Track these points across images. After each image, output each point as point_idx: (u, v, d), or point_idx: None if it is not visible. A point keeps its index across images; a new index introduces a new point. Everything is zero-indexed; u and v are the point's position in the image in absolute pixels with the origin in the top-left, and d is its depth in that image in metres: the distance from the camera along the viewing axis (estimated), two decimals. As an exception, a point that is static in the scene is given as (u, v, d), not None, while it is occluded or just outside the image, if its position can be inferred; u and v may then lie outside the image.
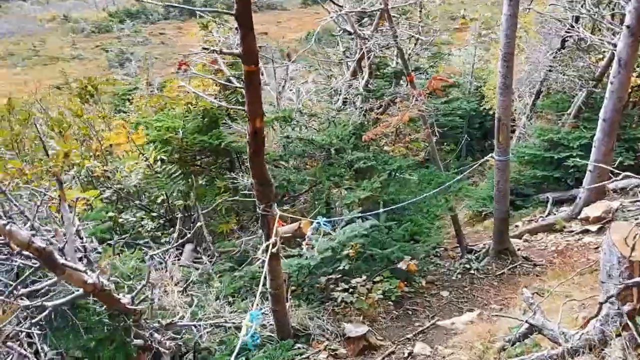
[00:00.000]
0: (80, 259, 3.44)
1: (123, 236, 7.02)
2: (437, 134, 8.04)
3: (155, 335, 3.96)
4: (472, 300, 6.31)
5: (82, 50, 60.30)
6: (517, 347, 4.13)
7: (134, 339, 3.54)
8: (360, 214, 6.24)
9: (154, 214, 7.48)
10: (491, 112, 17.67)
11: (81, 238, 3.74)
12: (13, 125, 7.36)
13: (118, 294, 3.34)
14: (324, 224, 4.69)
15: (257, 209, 4.26)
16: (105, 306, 3.33)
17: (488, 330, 4.76)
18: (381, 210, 5.70)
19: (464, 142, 19.30)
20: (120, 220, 6.62)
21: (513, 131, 12.70)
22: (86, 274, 2.76)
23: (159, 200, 7.53)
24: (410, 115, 6.54)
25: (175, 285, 5.45)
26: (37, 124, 6.79)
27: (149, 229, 7.22)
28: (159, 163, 6.61)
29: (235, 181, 7.32)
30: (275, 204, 4.26)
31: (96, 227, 4.58)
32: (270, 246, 4.25)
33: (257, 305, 3.58)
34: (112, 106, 10.55)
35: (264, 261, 5.20)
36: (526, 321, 4.06)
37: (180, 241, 7.29)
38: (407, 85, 7.80)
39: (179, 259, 6.99)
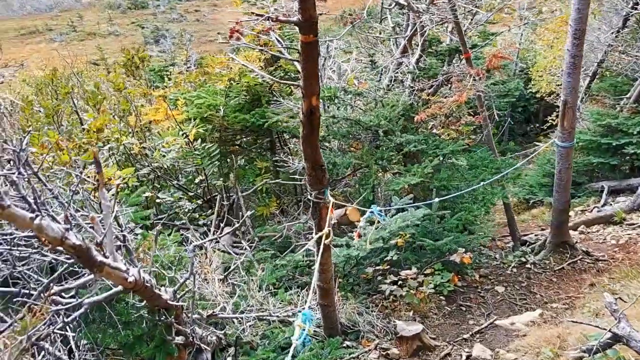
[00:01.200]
0: (119, 248, 3.12)
1: (160, 217, 6.77)
2: (496, 116, 7.48)
3: (197, 330, 3.64)
4: (531, 297, 5.84)
5: (118, 27, 60.71)
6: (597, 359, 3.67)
7: (175, 337, 3.22)
8: (410, 203, 5.82)
9: (192, 194, 7.20)
10: (538, 96, 16.88)
11: (120, 225, 3.42)
12: (54, 97, 7.14)
13: (159, 289, 3.01)
14: (378, 214, 4.29)
15: (308, 195, 3.88)
16: (145, 302, 3.02)
17: (557, 335, 4.31)
18: (436, 199, 5.25)
19: (507, 125, 18.53)
20: (157, 200, 6.34)
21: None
22: (127, 273, 2.43)
23: (196, 180, 7.24)
24: (463, 97, 6.03)
25: (215, 271, 5.15)
26: (74, 98, 6.53)
27: (186, 210, 6.94)
28: (198, 141, 6.27)
29: (278, 162, 6.96)
30: (328, 190, 3.87)
31: (135, 214, 4.27)
32: (323, 237, 3.87)
33: (309, 303, 3.21)
34: (148, 82, 10.28)
35: (312, 251, 4.84)
36: (610, 330, 3.59)
37: (219, 224, 7.00)
38: (460, 63, 7.26)
39: (217, 242, 6.71)
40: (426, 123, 7.53)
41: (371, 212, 4.24)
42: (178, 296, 3.31)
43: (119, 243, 3.14)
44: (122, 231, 3.23)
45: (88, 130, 5.27)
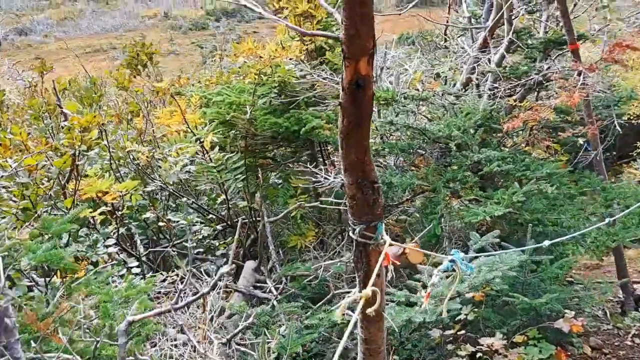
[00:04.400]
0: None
1: (165, 245, 5.43)
2: (618, 128, 5.76)
3: None
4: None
5: (178, 46, 61.85)
6: None
7: None
8: (498, 243, 4.18)
9: (212, 217, 5.82)
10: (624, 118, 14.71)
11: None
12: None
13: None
14: (462, 263, 2.69)
15: (350, 232, 2.35)
16: None
17: None
18: (546, 242, 3.55)
19: (584, 149, 16.39)
20: (160, 224, 4.99)
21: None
22: None
23: (219, 200, 5.86)
24: (577, 99, 4.36)
25: (215, 326, 3.68)
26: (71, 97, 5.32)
27: (204, 236, 5.55)
28: (216, 150, 4.89)
29: (318, 180, 5.48)
30: (382, 225, 2.33)
31: (47, 254, 2.78)
32: (371, 297, 2.31)
33: None
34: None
35: (353, 317, 3.20)
36: None
37: (240, 256, 5.59)
38: (561, 58, 5.61)
39: (235, 280, 5.28)
40: (511, 137, 5.89)
41: (451, 261, 2.66)
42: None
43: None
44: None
45: (69, 129, 3.98)
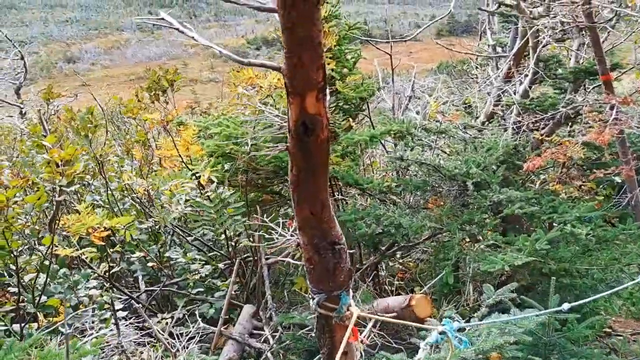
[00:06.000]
0: None
1: (159, 285, 5.13)
2: None
3: None
4: None
5: (219, 74, 63.20)
6: None
7: None
8: (515, 297, 3.67)
9: (213, 254, 5.50)
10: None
11: None
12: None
13: None
14: (455, 336, 2.24)
15: (310, 300, 1.95)
16: None
17: None
18: (565, 305, 3.02)
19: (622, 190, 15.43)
20: (150, 263, 4.69)
21: None
22: None
23: (222, 237, 5.53)
24: (607, 136, 3.88)
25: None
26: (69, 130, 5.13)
27: (204, 275, 5.21)
28: (213, 186, 4.58)
29: (271, 238, 5.08)
30: (351, 295, 1.92)
31: None
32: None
33: None
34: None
35: None
36: None
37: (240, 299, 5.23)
38: (592, 90, 5.12)
39: (233, 324, 4.91)
40: (537, 175, 5.39)
41: (442, 333, 2.22)
42: None
43: None
44: None
45: (48, 162, 3.74)
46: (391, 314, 3.95)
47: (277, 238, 2.26)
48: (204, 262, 5.24)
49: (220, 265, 5.51)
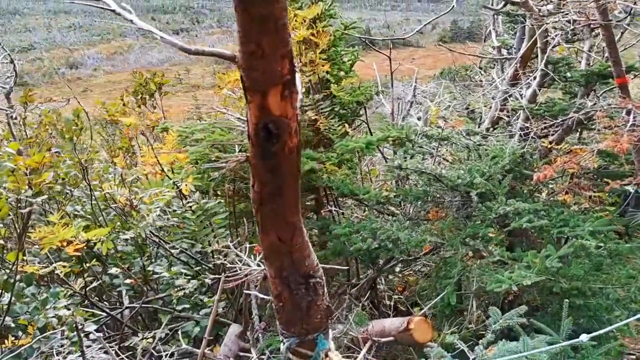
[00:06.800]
0: None
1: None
2: None
3: None
4: None
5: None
6: None
7: None
8: (525, 321, 3.32)
9: (198, 268, 5.16)
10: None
11: None
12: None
13: None
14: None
15: (282, 341, 1.61)
16: None
17: None
18: (583, 337, 2.63)
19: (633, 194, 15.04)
20: (128, 280, 4.36)
21: None
22: None
23: (210, 250, 5.19)
24: (625, 144, 3.54)
25: None
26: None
27: (189, 291, 4.87)
28: (196, 195, 4.25)
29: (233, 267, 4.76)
30: (330, 336, 1.58)
31: None
32: None
33: None
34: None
35: None
36: None
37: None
38: (606, 94, 4.79)
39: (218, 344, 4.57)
40: (546, 186, 5.04)
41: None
42: None
43: None
44: None
45: (13, 171, 3.42)
46: (388, 338, 3.61)
47: (241, 269, 1.93)
48: (190, 277, 4.91)
49: (208, 281, 5.17)
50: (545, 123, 4.50)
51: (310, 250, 1.47)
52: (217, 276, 5.19)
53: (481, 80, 8.29)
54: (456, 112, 7.94)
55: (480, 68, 6.87)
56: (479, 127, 5.68)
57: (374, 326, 3.83)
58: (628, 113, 3.81)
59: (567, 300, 3.43)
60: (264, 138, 1.23)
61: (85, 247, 4.30)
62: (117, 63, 77.74)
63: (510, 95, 5.09)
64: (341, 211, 4.96)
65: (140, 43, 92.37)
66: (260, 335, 4.17)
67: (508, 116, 5.38)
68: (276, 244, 1.40)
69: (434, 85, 10.92)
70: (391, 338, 3.61)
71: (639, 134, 3.58)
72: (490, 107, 6.36)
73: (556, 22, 4.09)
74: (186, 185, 4.06)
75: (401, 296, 5.35)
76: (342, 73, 5.48)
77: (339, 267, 4.37)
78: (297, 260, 1.43)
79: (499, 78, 5.39)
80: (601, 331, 2.75)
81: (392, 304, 5.10)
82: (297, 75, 1.54)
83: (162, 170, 4.12)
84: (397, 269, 5.09)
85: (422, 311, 3.81)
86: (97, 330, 4.23)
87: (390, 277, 5.70)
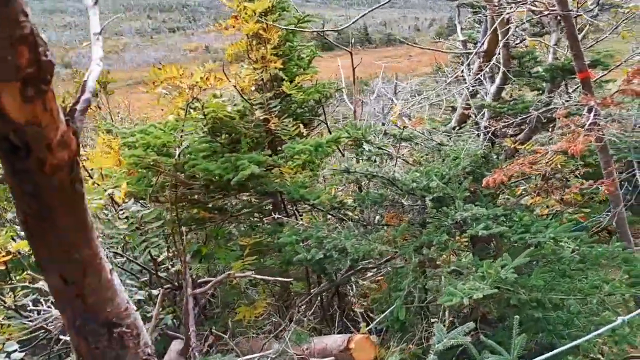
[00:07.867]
0: None
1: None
2: None
3: None
4: None
5: (216, 78, 62.98)
6: None
7: None
8: (472, 338, 3.03)
9: (145, 279, 4.89)
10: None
11: None
12: None
13: None
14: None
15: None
16: None
17: None
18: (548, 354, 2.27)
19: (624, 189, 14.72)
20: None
21: None
22: None
23: (161, 258, 4.91)
24: (580, 145, 3.24)
25: None
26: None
27: (135, 300, 4.59)
28: (130, 202, 3.96)
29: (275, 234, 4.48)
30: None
31: None
32: None
33: None
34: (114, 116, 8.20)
35: None
36: None
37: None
38: (570, 90, 4.50)
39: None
40: (511, 189, 4.76)
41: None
42: None
43: None
44: None
45: None
46: (329, 358, 3.34)
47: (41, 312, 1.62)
48: (137, 288, 4.63)
49: (155, 292, 4.89)
50: (506, 121, 4.20)
51: (115, 291, 1.18)
52: (170, 285, 4.92)
53: (456, 77, 8.00)
54: (440, 109, 7.66)
55: (452, 63, 6.57)
56: (446, 126, 5.39)
57: (315, 344, 3.55)
58: (589, 110, 3.51)
59: (517, 317, 3.14)
60: (8, 152, 0.94)
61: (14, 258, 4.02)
62: (113, 62, 77.30)
63: (476, 93, 4.79)
64: (292, 218, 4.66)
65: (135, 42, 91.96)
66: (197, 353, 3.88)
67: (475, 114, 5.09)
68: (61, 287, 1.11)
69: (416, 83, 10.62)
70: (332, 358, 3.32)
71: (597, 134, 3.28)
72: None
73: (512, 12, 3.78)
74: (116, 193, 3.76)
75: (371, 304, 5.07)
76: (300, 70, 5.19)
77: (286, 279, 4.09)
78: (94, 306, 1.14)
79: (465, 74, 5.09)
80: (551, 353, 2.46)
81: (362, 311, 4.81)
82: (95, 66, 1.26)
83: (90, 176, 3.82)
84: (353, 279, 4.79)
85: (368, 327, 3.52)
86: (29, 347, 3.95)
87: (362, 282, 5.42)
